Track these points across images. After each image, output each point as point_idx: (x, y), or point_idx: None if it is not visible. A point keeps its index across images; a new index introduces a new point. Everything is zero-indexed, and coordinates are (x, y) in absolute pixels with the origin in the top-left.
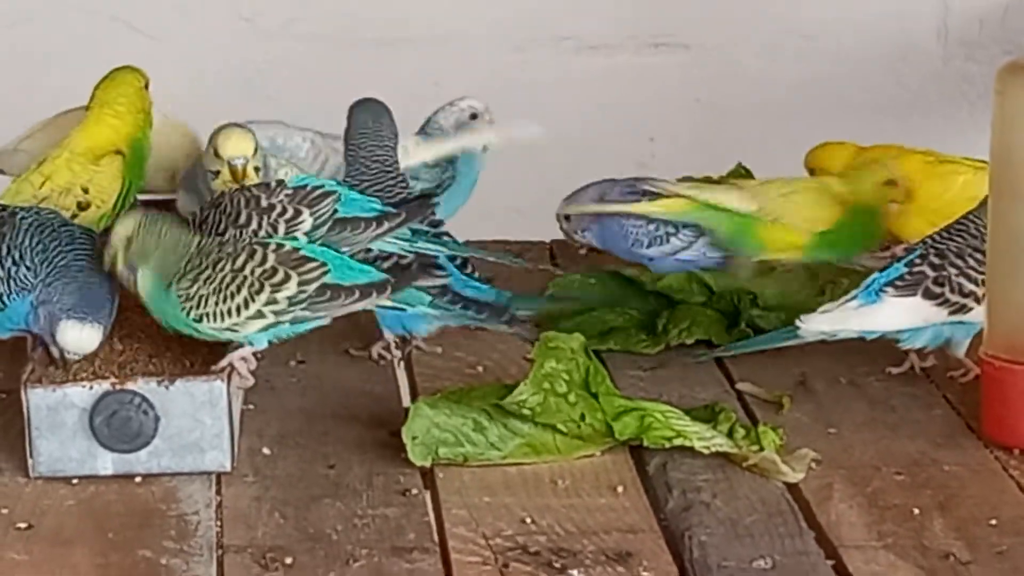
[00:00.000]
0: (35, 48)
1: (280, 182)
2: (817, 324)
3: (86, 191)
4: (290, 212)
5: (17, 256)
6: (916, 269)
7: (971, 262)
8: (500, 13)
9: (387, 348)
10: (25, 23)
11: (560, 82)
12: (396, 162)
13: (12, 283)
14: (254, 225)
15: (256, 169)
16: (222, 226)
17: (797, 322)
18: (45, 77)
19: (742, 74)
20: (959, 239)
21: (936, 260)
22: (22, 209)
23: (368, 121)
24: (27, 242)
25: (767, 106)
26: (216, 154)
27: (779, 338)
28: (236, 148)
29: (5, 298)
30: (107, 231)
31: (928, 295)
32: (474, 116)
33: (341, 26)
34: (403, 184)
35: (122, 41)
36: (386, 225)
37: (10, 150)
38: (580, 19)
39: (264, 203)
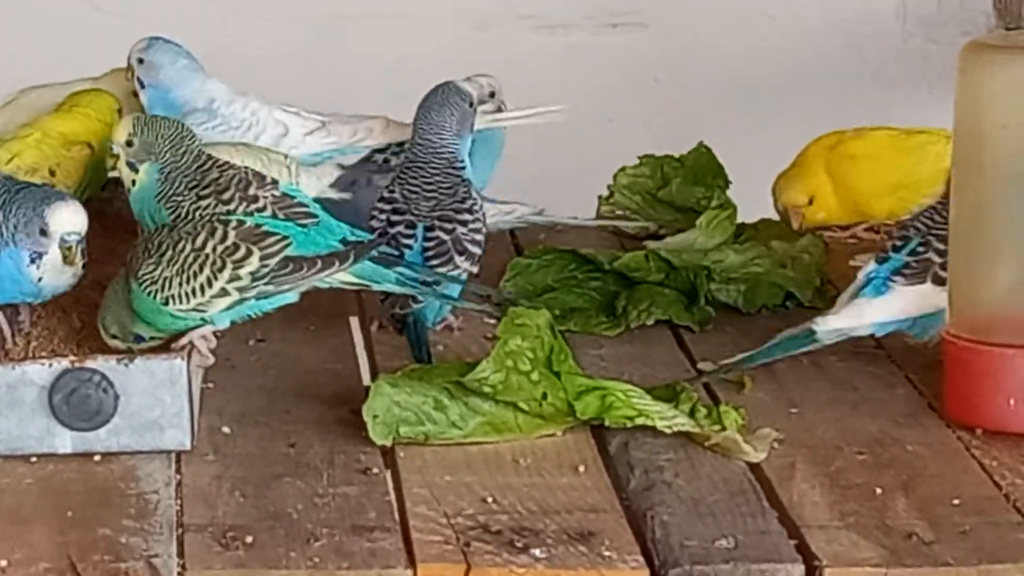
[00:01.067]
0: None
1: (275, 181)
2: (833, 324)
3: (53, 173)
4: (268, 212)
5: None
6: (921, 257)
7: None
8: None
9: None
10: None
11: (518, 61)
12: (450, 150)
13: None
14: (234, 206)
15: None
16: (207, 190)
17: (812, 325)
18: (9, 55)
19: (702, 53)
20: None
21: (940, 245)
22: None
23: (433, 107)
24: None
25: (727, 85)
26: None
27: (795, 345)
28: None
29: None
30: None
31: (938, 281)
32: (492, 95)
33: (302, 2)
34: (458, 169)
35: (82, 19)
36: (336, 265)
37: None
38: None
39: (252, 192)
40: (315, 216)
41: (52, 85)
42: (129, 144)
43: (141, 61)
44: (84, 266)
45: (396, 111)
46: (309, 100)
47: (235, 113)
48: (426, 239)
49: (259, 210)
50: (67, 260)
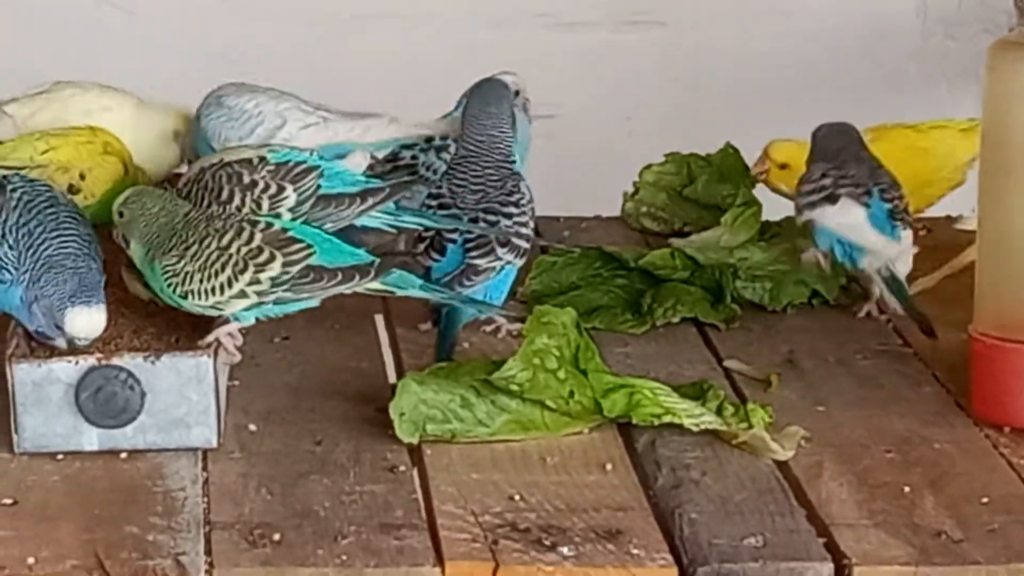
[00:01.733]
0: (16, 19)
1: (262, 158)
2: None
3: (83, 177)
4: (273, 188)
5: (0, 234)
6: (892, 205)
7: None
8: None
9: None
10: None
11: (536, 60)
12: (506, 144)
13: None
14: (237, 201)
15: None
16: (204, 202)
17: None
18: (23, 48)
19: (720, 52)
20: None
21: (895, 192)
22: (13, 179)
23: (491, 101)
24: (12, 220)
25: (745, 84)
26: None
27: None
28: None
29: None
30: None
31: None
32: (516, 93)
33: (316, 1)
34: (510, 162)
35: (98, 15)
36: (370, 201)
37: None
38: None
39: (247, 179)
40: (317, 167)
41: (86, 87)
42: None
43: None
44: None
45: (411, 111)
46: (323, 100)
47: (239, 105)
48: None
49: (263, 191)
50: (73, 351)
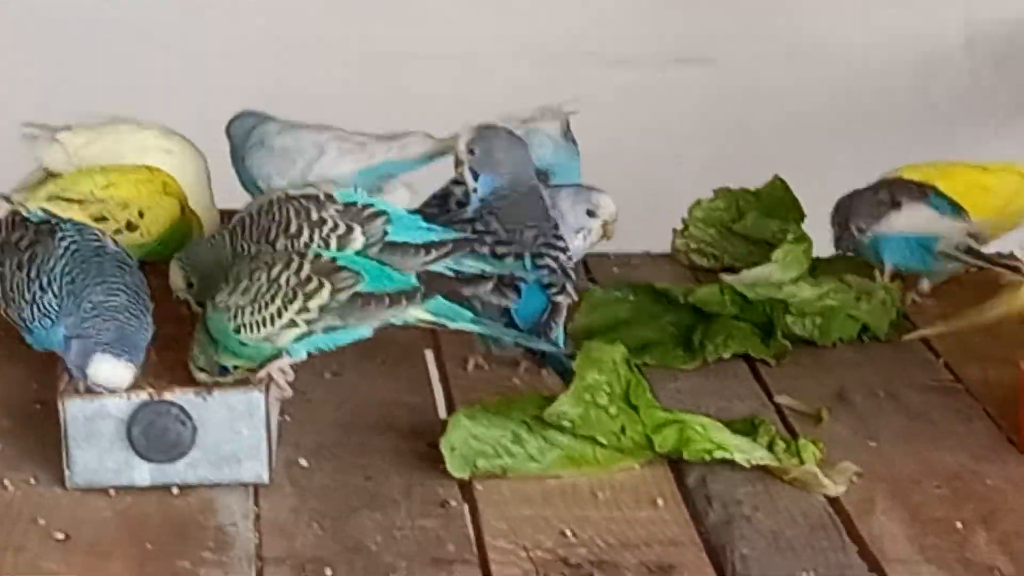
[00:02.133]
0: (57, 50)
1: (329, 195)
2: None
3: (142, 215)
4: (342, 228)
5: (45, 282)
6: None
7: None
8: (524, 28)
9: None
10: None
11: (585, 97)
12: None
13: (36, 308)
14: (305, 237)
15: None
16: (272, 235)
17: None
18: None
19: (768, 89)
20: None
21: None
22: (65, 227)
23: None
24: (57, 268)
25: (793, 121)
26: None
27: None
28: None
29: (29, 323)
30: None
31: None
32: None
33: (362, 42)
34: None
35: (136, 50)
36: (433, 254)
37: (48, 138)
38: (604, 34)
39: (315, 216)
40: (384, 212)
41: (147, 127)
42: (190, 285)
43: None
44: None
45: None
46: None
47: (281, 143)
48: (536, 267)
49: (332, 230)
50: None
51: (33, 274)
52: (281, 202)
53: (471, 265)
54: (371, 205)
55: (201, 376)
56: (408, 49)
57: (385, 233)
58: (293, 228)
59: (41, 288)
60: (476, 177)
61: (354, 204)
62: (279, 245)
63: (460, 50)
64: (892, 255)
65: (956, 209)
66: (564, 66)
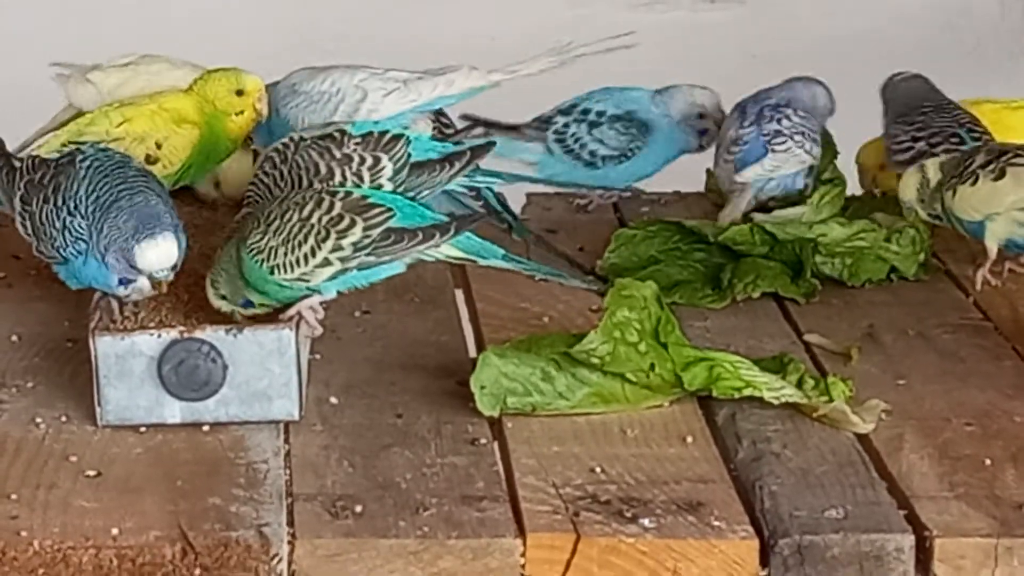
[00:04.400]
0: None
1: (343, 131)
2: None
3: (159, 146)
4: (369, 160)
5: (72, 206)
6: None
7: None
8: None
9: None
10: None
11: (615, 39)
12: None
13: (67, 234)
14: (338, 176)
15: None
16: (303, 182)
17: None
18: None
19: (799, 30)
20: None
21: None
22: (86, 150)
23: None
24: (81, 190)
25: (823, 62)
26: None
27: None
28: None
29: (62, 251)
30: None
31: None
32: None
33: None
34: None
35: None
36: (457, 165)
37: (79, 78)
38: None
39: (338, 153)
40: (402, 135)
41: (175, 62)
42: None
43: None
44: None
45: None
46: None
47: (315, 87)
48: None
49: (360, 164)
50: (156, 287)
51: (59, 202)
52: (299, 146)
53: (484, 179)
54: (387, 131)
55: (220, 304)
56: None
57: (408, 156)
58: (323, 170)
59: (69, 213)
60: None
61: (370, 134)
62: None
63: None
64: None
65: None
66: (594, 7)
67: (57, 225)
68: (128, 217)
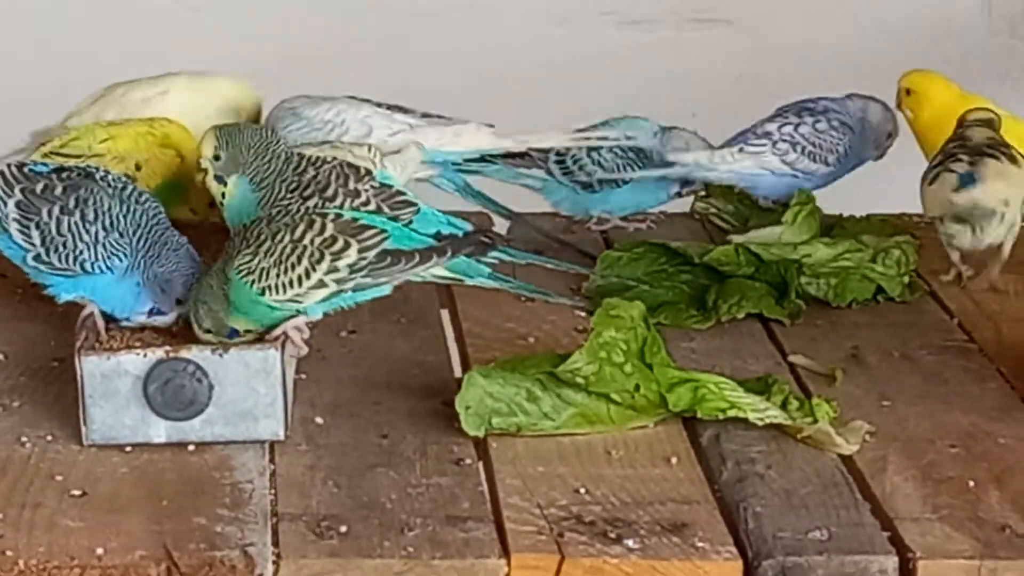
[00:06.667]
0: (78, 20)
1: (368, 172)
2: None
3: (139, 168)
4: (373, 205)
5: (108, 222)
6: None
7: None
8: None
9: None
10: None
11: (600, 57)
12: None
13: (101, 248)
14: (339, 201)
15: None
16: (309, 190)
17: None
18: (87, 51)
19: (784, 48)
20: None
21: None
22: (93, 170)
23: None
24: (116, 208)
25: (809, 81)
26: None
27: None
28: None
29: (87, 264)
30: None
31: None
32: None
33: None
34: None
35: (167, 14)
36: (434, 259)
37: (58, 127)
38: None
39: (351, 186)
40: (414, 204)
41: (137, 81)
42: (216, 158)
43: None
44: None
45: (475, 105)
46: (386, 95)
47: (319, 115)
48: None
49: (363, 204)
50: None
51: (91, 216)
52: (332, 164)
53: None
54: (404, 194)
55: (207, 337)
56: (422, 5)
57: (410, 222)
58: (330, 192)
59: (104, 228)
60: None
61: (388, 187)
62: (311, 203)
63: (476, 6)
64: None
65: None
66: (581, 25)
67: (86, 239)
68: (187, 253)
